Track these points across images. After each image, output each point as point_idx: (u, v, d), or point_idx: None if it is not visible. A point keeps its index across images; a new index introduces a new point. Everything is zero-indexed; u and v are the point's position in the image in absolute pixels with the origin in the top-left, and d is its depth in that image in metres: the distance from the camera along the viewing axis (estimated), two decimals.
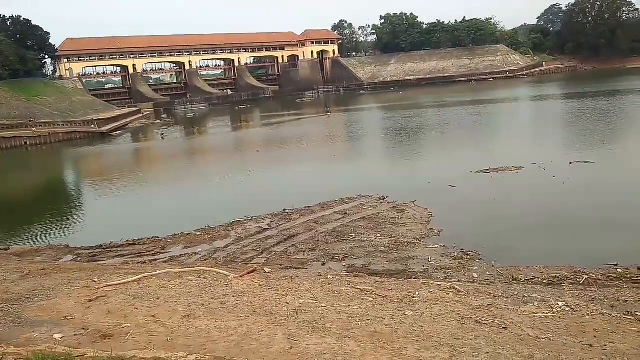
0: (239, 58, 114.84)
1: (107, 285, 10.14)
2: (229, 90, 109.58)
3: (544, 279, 11.01)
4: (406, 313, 8.52)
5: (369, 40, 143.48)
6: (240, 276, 10.75)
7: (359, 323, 8.15)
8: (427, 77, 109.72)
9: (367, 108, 70.84)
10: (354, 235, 15.04)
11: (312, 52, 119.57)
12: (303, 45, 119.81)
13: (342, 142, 41.43)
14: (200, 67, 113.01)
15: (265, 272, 11.43)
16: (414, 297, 9.32)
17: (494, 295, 9.41)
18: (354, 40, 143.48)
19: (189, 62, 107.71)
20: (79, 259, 14.57)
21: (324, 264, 12.87)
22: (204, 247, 14.96)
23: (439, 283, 10.35)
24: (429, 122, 47.46)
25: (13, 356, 6.42)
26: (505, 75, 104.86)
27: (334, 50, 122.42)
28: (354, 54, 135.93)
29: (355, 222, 16.43)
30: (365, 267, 12.38)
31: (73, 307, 9.16)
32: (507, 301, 9.02)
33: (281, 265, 12.87)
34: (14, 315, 8.97)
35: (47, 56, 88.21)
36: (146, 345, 7.40)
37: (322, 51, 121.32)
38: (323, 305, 9.02)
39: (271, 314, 8.68)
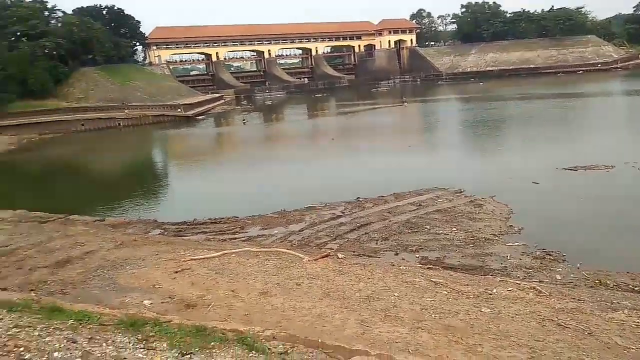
0: (316, 47, 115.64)
1: (191, 259, 10.76)
2: (305, 79, 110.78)
3: (636, 286, 10.27)
4: (482, 310, 8.31)
5: (449, 30, 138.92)
6: (315, 260, 10.99)
7: (433, 315, 8.07)
8: (510, 68, 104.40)
9: (445, 99, 68.83)
10: (428, 227, 14.80)
11: (389, 41, 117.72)
12: (380, 34, 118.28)
13: (418, 133, 40.66)
14: (279, 55, 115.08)
15: (338, 258, 11.60)
16: (491, 294, 9.06)
17: (578, 299, 8.93)
18: (433, 29, 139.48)
19: (268, 51, 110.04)
20: (165, 233, 15.54)
21: (396, 254, 12.79)
22: (280, 230, 15.38)
23: (518, 282, 9.98)
24: (511, 115, 45.32)
25: (109, 317, 6.96)
26: (596, 67, 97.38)
27: (411, 40, 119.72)
28: (432, 43, 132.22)
29: (430, 214, 16.15)
30: (440, 260, 12.17)
31: (161, 277, 9.81)
32: (593, 306, 8.54)
33: (354, 252, 12.96)
34: (109, 281, 9.78)
35: (138, 43, 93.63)
36: (226, 318, 7.78)
37: (399, 40, 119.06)
38: (396, 294, 9.01)
39: (344, 298, 8.81)
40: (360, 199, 18.44)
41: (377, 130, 43.12)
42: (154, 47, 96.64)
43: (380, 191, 19.18)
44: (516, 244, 13.10)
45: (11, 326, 5.77)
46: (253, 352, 5.09)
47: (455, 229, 14.44)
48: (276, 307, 8.32)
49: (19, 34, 63.62)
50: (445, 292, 9.15)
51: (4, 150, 42.93)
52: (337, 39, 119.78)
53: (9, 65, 55.53)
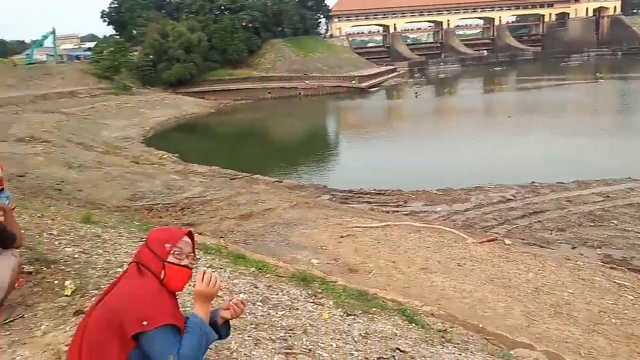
0: (499, 16, 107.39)
1: (355, 226, 11.27)
2: (484, 51, 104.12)
3: None
4: None
5: None
6: (479, 242, 10.63)
7: (613, 320, 7.28)
8: None
9: None
10: (615, 222, 13.10)
11: (586, 9, 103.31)
12: (577, 1, 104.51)
13: (612, 115, 35.61)
14: (458, 26, 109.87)
15: (505, 244, 11.03)
16: None
17: None
18: None
19: (447, 21, 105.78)
20: (333, 199, 16.45)
21: (574, 248, 11.64)
22: (444, 207, 15.10)
23: None
24: None
25: (283, 269, 7.75)
26: None
27: (615, 7, 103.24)
28: None
29: (619, 208, 14.22)
30: (626, 260, 10.74)
31: (327, 240, 10.51)
32: None
33: (523, 240, 12.15)
34: (283, 237, 10.80)
35: (322, 16, 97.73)
36: (385, 287, 8.03)
37: (600, 8, 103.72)
38: (570, 291, 8.30)
39: (509, 287, 8.41)
40: (536, 184, 17.06)
41: (563, 109, 38.85)
42: (336, 20, 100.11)
43: (559, 177, 17.50)
44: None
45: (207, 266, 6.82)
46: (412, 324, 5.24)
47: None
48: (435, 285, 8.32)
49: (222, 8, 71.78)
50: (631, 297, 8.14)
51: (206, 112, 49.47)
52: (525, 7, 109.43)
53: (213, 37, 63.41)
